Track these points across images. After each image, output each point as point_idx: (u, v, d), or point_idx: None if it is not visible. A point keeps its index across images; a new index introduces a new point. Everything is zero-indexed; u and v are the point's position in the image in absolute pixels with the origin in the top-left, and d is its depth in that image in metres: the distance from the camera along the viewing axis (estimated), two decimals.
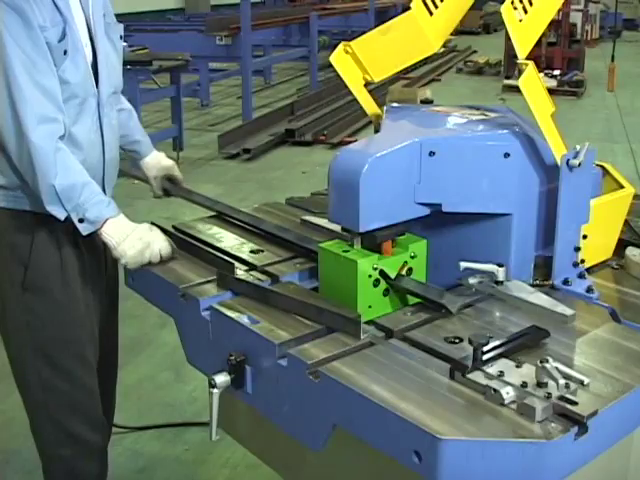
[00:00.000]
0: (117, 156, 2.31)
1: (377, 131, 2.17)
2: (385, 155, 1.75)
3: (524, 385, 1.40)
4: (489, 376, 1.44)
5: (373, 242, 1.78)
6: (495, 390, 1.40)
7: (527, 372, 1.44)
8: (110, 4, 2.27)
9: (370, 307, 1.76)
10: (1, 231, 2.14)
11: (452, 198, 1.83)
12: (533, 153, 1.85)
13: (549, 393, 1.37)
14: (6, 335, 2.25)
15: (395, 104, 2.26)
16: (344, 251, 1.78)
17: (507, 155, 1.81)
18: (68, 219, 2.01)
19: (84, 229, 2.02)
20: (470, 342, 1.49)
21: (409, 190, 1.81)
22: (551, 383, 1.39)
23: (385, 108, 2.18)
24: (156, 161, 2.53)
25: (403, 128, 1.98)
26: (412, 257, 1.82)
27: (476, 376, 1.45)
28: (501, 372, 1.44)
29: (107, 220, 2.03)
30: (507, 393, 1.39)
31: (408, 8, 2.10)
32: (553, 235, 1.85)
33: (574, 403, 1.36)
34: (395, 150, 1.77)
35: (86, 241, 2.13)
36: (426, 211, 1.85)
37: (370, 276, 1.75)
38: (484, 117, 2.02)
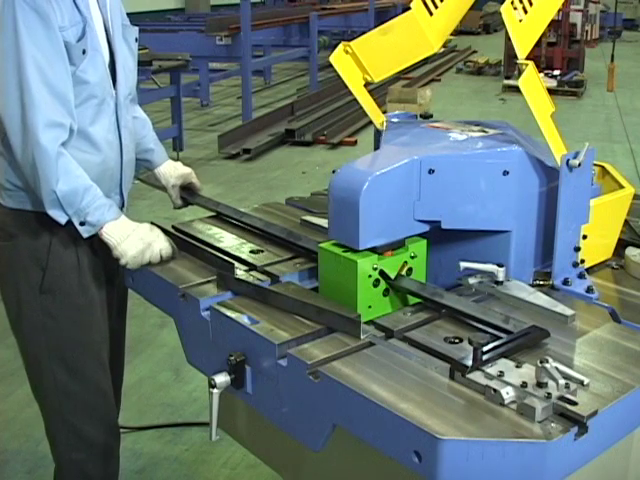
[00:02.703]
0: (134, 158, 2.29)
1: (377, 129, 2.17)
2: (385, 173, 1.75)
3: (524, 385, 1.40)
4: (489, 376, 1.44)
5: None
6: (495, 390, 1.40)
7: (527, 372, 1.44)
8: (123, 7, 2.26)
9: (370, 307, 1.76)
10: (18, 233, 2.11)
11: (451, 215, 1.83)
12: (532, 170, 1.85)
13: (549, 393, 1.37)
14: (22, 338, 2.21)
15: (395, 119, 2.25)
16: (344, 251, 1.78)
17: (506, 173, 1.81)
18: (69, 222, 2.00)
19: (85, 231, 2.01)
20: (470, 342, 1.49)
21: (408, 207, 1.81)
22: (551, 383, 1.39)
23: (384, 123, 2.17)
24: (172, 169, 2.47)
25: (402, 145, 1.97)
26: (412, 257, 1.82)
27: (476, 376, 1.45)
28: (501, 372, 1.44)
29: (108, 221, 2.02)
30: (507, 393, 1.39)
31: (408, 8, 2.10)
32: (552, 251, 1.86)
33: (574, 403, 1.36)
34: (395, 168, 1.77)
35: (101, 242, 2.09)
36: (425, 228, 1.85)
37: (370, 276, 1.75)
38: (483, 133, 2.01)
